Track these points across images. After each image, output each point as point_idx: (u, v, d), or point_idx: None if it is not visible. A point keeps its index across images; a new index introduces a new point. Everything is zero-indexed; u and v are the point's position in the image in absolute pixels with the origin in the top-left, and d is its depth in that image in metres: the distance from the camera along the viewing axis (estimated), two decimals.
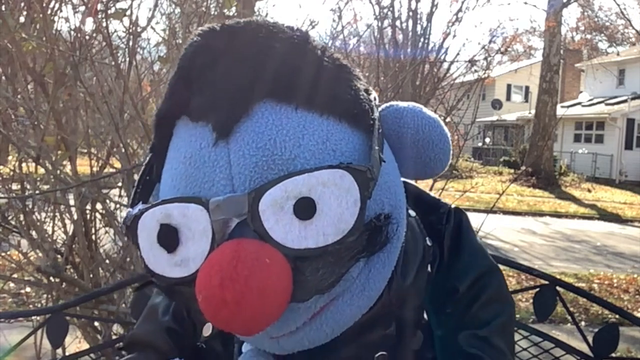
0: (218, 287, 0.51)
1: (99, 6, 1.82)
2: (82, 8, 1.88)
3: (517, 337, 1.32)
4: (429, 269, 0.77)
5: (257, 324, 0.54)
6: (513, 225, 9.54)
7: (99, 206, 2.04)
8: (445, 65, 3.14)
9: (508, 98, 26.22)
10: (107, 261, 2.08)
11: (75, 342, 2.13)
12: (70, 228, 2.01)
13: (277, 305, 0.54)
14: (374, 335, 0.71)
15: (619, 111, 18.93)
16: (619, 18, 27.02)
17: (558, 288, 1.29)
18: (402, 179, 0.73)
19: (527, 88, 25.38)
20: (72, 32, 1.89)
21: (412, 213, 0.78)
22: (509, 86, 26.53)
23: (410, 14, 3.22)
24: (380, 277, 0.63)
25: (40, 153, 1.84)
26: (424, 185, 0.87)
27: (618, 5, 32.03)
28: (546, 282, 1.29)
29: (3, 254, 2.10)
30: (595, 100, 21.68)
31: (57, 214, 2.05)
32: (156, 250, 0.58)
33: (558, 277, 2.29)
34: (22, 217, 1.99)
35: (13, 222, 2.08)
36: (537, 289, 1.30)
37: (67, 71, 1.84)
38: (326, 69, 0.62)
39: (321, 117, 0.60)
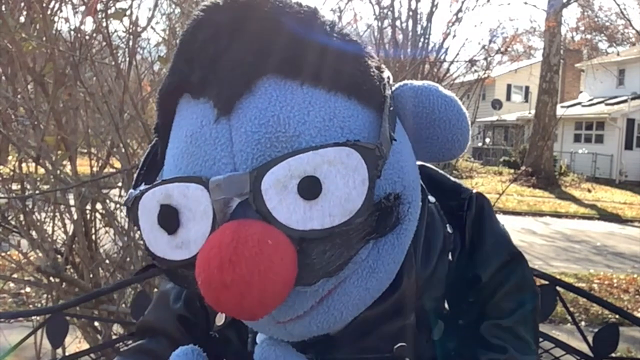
0: (217, 270, 0.49)
1: (99, 6, 1.82)
2: (82, 8, 1.88)
3: None
4: (450, 257, 0.74)
5: (259, 308, 0.52)
6: (513, 225, 9.53)
7: (99, 206, 2.04)
8: (445, 65, 3.14)
9: (508, 98, 26.21)
10: (107, 261, 2.08)
11: (75, 342, 2.12)
12: (70, 228, 2.01)
13: (280, 289, 0.52)
14: (393, 325, 0.69)
15: (619, 111, 18.93)
16: (619, 18, 27.04)
17: (558, 288, 1.29)
18: (421, 162, 0.71)
19: (527, 88, 25.38)
20: (72, 32, 1.89)
21: (432, 199, 0.76)
22: (509, 86, 26.53)
23: (410, 14, 3.21)
24: (390, 260, 0.60)
25: (40, 153, 1.84)
26: None
27: (618, 5, 32.02)
28: (546, 282, 1.29)
29: (3, 254, 2.10)
30: (595, 100, 21.68)
31: (57, 214, 2.05)
32: (157, 232, 0.56)
33: (558, 277, 2.29)
34: (22, 217, 1.99)
35: (13, 222, 2.08)
36: None
37: (67, 71, 1.84)
38: (335, 44, 0.59)
39: (328, 94, 0.57)
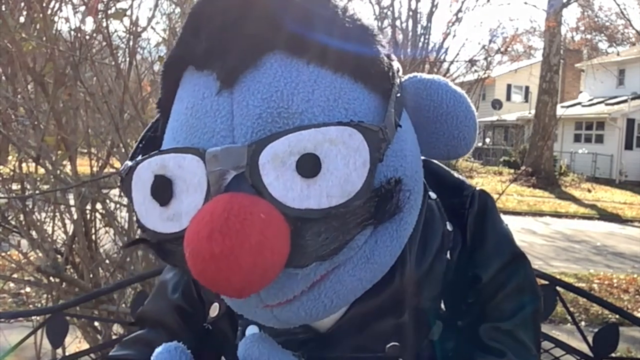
0: (206, 240, 0.47)
1: (99, 6, 1.82)
2: (82, 8, 1.88)
3: None
4: (449, 255, 0.72)
5: (246, 284, 0.49)
6: (513, 225, 9.38)
7: (99, 206, 2.04)
8: (445, 65, 3.14)
9: (508, 98, 26.22)
10: (107, 261, 2.07)
11: (75, 342, 2.12)
12: (70, 228, 2.01)
13: (270, 266, 0.49)
14: (385, 324, 0.67)
15: (619, 111, 18.93)
16: (619, 18, 27.04)
17: (558, 288, 1.29)
18: (426, 158, 0.69)
19: (527, 88, 25.39)
20: (72, 32, 1.89)
21: (433, 195, 0.74)
22: (509, 86, 26.54)
23: (410, 13, 3.22)
24: (387, 251, 0.58)
25: (40, 153, 1.84)
26: None
27: (618, 5, 32.04)
28: (546, 282, 1.29)
29: (3, 254, 2.10)
30: (595, 100, 21.68)
31: (57, 214, 2.05)
32: (149, 204, 0.55)
33: (558, 277, 2.29)
34: (22, 217, 1.99)
35: (13, 222, 2.08)
36: None
37: (67, 71, 1.84)
38: (345, 27, 0.58)
39: (335, 74, 0.56)
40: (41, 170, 2.01)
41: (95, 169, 2.04)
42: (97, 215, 2.07)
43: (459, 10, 3.01)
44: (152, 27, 2.09)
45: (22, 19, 2.00)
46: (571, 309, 1.42)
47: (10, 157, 2.35)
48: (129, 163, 0.58)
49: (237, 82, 0.55)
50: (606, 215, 11.62)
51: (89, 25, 1.95)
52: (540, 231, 9.43)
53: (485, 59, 3.38)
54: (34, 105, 1.94)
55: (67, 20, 1.94)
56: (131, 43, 1.89)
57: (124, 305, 1.87)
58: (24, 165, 2.07)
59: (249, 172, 0.51)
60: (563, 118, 17.37)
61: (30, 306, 3.51)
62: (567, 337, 1.38)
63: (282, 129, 0.52)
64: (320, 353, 0.67)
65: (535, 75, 18.45)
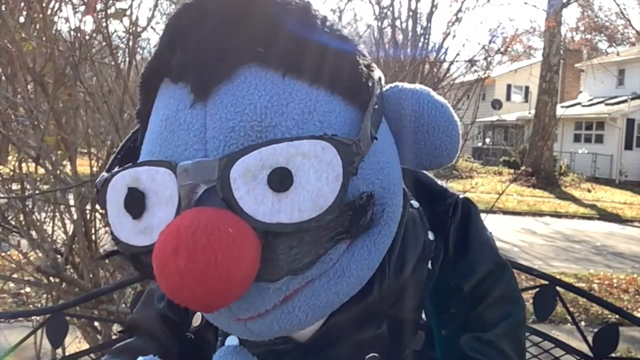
0: (172, 255, 0.47)
1: (99, 6, 1.82)
2: (82, 8, 1.88)
3: None
4: (430, 265, 0.71)
5: (212, 298, 0.49)
6: (513, 225, 9.53)
7: (98, 206, 2.04)
8: (445, 65, 3.14)
9: (508, 98, 26.22)
10: (107, 261, 2.07)
11: (75, 342, 2.13)
12: (70, 228, 2.01)
13: (238, 281, 0.49)
14: (365, 335, 0.66)
15: (619, 111, 18.94)
16: (619, 18, 27.05)
17: (558, 288, 1.29)
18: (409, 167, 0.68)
19: (527, 88, 25.39)
20: (72, 32, 1.89)
21: (416, 204, 0.73)
22: (509, 86, 26.54)
23: (410, 14, 3.21)
24: (364, 265, 0.58)
25: (40, 153, 1.84)
26: None
27: (618, 5, 32.02)
28: (546, 282, 1.29)
29: (3, 254, 2.10)
30: (595, 100, 21.69)
31: (57, 214, 2.05)
32: (122, 216, 0.55)
33: (558, 277, 2.29)
34: (22, 217, 1.99)
35: (13, 222, 2.08)
36: (537, 289, 1.30)
37: (67, 71, 1.84)
38: (323, 39, 0.57)
39: (310, 87, 0.56)
40: (41, 170, 2.01)
41: (95, 169, 2.04)
42: (97, 215, 2.07)
43: (459, 10, 3.00)
44: (152, 27, 2.09)
45: (22, 19, 2.00)
46: (571, 309, 1.42)
47: (10, 157, 2.35)
48: (105, 175, 0.58)
49: (210, 95, 0.54)
50: (606, 215, 11.63)
51: (89, 25, 1.95)
52: (540, 231, 9.43)
53: (485, 59, 3.38)
54: (34, 105, 1.94)
55: (67, 20, 1.94)
56: (131, 43, 1.89)
57: (124, 305, 1.87)
58: (24, 165, 2.07)
59: (219, 186, 0.50)
60: (563, 118, 17.38)
61: (30, 306, 3.51)
62: (567, 337, 1.38)
63: (254, 142, 0.52)
64: None
65: (535, 75, 18.45)
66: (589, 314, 4.68)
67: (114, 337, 1.79)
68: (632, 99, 19.08)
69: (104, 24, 1.81)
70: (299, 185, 0.50)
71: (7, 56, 1.93)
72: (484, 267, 0.74)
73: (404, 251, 0.67)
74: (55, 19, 2.00)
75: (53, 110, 1.85)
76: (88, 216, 2.02)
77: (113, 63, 2.00)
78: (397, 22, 3.24)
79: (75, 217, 1.95)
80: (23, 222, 1.98)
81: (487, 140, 24.35)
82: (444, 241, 0.73)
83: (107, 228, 2.09)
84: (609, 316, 4.50)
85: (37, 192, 1.98)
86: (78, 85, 1.90)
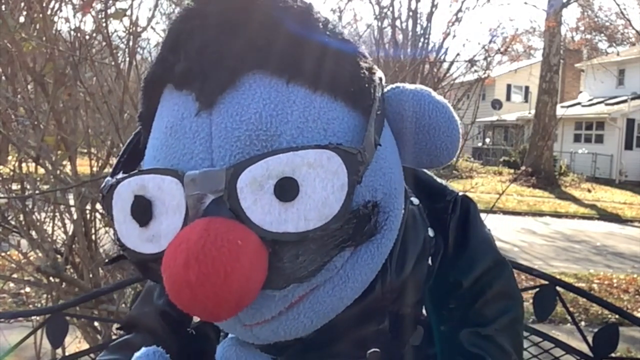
0: (182, 267, 0.48)
1: (99, 6, 1.82)
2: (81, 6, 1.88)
3: None
4: (430, 261, 0.72)
5: (222, 309, 0.50)
6: (513, 225, 9.53)
7: (98, 206, 2.04)
8: (445, 65, 3.13)
9: (508, 98, 26.22)
10: (107, 261, 2.07)
11: (75, 342, 2.13)
12: (70, 228, 2.01)
13: (246, 291, 0.50)
14: (366, 330, 0.67)
15: (619, 111, 18.94)
16: (619, 18, 27.05)
17: (558, 288, 1.29)
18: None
19: (527, 88, 25.39)
20: (72, 32, 1.89)
21: (416, 201, 0.74)
22: (509, 86, 26.54)
23: (410, 14, 3.22)
24: (367, 270, 0.59)
25: (40, 153, 1.84)
26: None
27: (618, 5, 32.04)
28: (546, 282, 1.29)
29: (3, 254, 2.10)
30: (595, 100, 21.69)
31: (57, 214, 2.05)
32: (129, 223, 0.55)
33: (558, 277, 2.29)
34: (22, 217, 1.99)
35: (13, 222, 2.08)
36: (537, 289, 1.30)
37: (67, 71, 1.84)
38: (326, 43, 0.58)
39: (314, 94, 0.56)
40: (41, 170, 2.01)
41: (95, 169, 2.04)
42: (97, 215, 2.07)
43: (459, 10, 3.00)
44: (152, 27, 2.09)
45: (22, 19, 2.00)
46: (571, 309, 1.42)
47: (10, 157, 2.35)
48: (110, 180, 0.58)
49: (215, 104, 0.54)
50: (606, 215, 11.63)
51: (89, 25, 1.95)
52: (540, 231, 9.43)
53: (485, 59, 3.38)
54: (34, 105, 1.94)
55: (67, 20, 1.94)
56: (131, 43, 1.89)
57: (123, 305, 1.87)
58: (24, 165, 2.07)
59: (227, 196, 0.51)
60: (563, 118, 17.36)
61: (30, 306, 3.51)
62: (567, 337, 1.38)
63: (260, 151, 0.52)
64: (301, 358, 0.67)
65: (535, 75, 18.45)
66: (589, 314, 4.68)
67: (114, 337, 1.79)
68: (632, 99, 19.08)
69: (104, 24, 1.81)
70: (305, 194, 0.51)
71: (7, 56, 1.93)
72: (483, 263, 0.75)
73: (404, 249, 0.68)
74: (55, 19, 2.01)
75: (53, 110, 1.85)
76: (88, 216, 2.03)
77: (113, 63, 2.00)
78: (397, 22, 3.24)
79: (75, 217, 1.95)
80: (23, 222, 1.98)
81: (487, 140, 24.35)
82: (444, 238, 0.74)
83: (107, 228, 2.10)
84: (609, 316, 4.50)
85: (37, 192, 1.98)
86: (78, 85, 1.90)
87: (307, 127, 0.54)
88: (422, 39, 3.05)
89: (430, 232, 0.73)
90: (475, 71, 3.43)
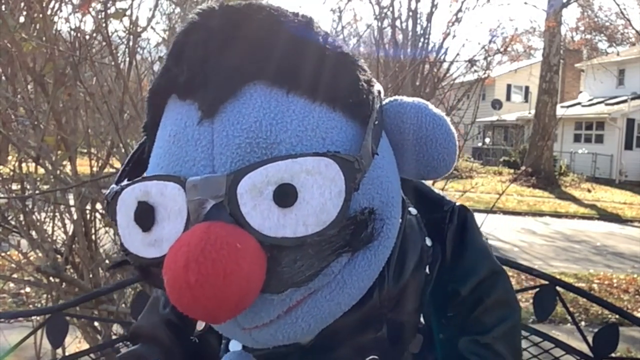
0: (182, 269, 0.49)
1: (99, 6, 1.82)
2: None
3: None
4: (427, 270, 0.74)
5: (222, 311, 0.51)
6: (513, 225, 9.53)
7: (99, 206, 2.04)
8: (445, 65, 3.14)
9: (508, 98, 26.22)
10: (107, 261, 2.08)
11: (75, 342, 2.13)
12: (70, 228, 2.01)
13: (245, 294, 0.51)
14: (365, 337, 0.69)
15: (619, 111, 18.93)
16: (619, 18, 27.06)
17: (558, 288, 1.29)
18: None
19: (527, 88, 25.39)
20: (72, 32, 1.89)
21: (414, 211, 0.75)
22: (509, 86, 26.54)
23: (410, 14, 3.22)
24: (364, 276, 0.60)
25: (40, 153, 1.85)
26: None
27: (618, 5, 32.08)
28: (546, 282, 1.29)
29: (3, 254, 2.10)
30: (595, 100, 21.69)
31: (57, 214, 2.05)
32: (132, 229, 0.57)
33: (558, 277, 2.29)
34: (22, 217, 1.99)
35: (13, 222, 2.08)
36: (537, 289, 1.30)
37: (67, 71, 1.84)
38: (325, 55, 0.60)
39: (313, 104, 0.58)
40: (41, 170, 2.01)
41: (95, 169, 2.04)
42: (97, 215, 2.07)
43: (459, 10, 3.00)
44: (152, 27, 2.09)
45: (22, 19, 1.99)
46: (571, 309, 1.42)
47: (10, 157, 2.35)
48: (115, 187, 0.59)
49: (217, 113, 0.56)
50: (606, 215, 11.62)
51: (89, 25, 1.95)
52: (540, 231, 9.43)
53: (485, 59, 3.38)
54: (34, 105, 1.94)
55: (67, 20, 1.95)
56: (131, 43, 1.89)
57: (124, 305, 1.87)
58: (24, 165, 2.07)
59: (227, 201, 0.52)
60: (563, 118, 17.37)
61: (30, 306, 3.51)
62: (567, 337, 1.38)
63: (260, 159, 0.54)
64: None
65: (535, 75, 18.45)
66: (589, 314, 4.68)
67: (114, 337, 1.79)
68: (632, 99, 19.07)
69: (104, 24, 1.81)
70: (304, 200, 0.52)
71: (7, 56, 1.93)
72: (480, 272, 0.77)
73: (402, 257, 0.70)
74: (55, 19, 2.01)
75: (53, 110, 1.85)
76: (88, 216, 2.03)
77: (113, 63, 2.00)
78: (397, 22, 3.25)
79: (75, 217, 1.95)
80: (23, 222, 1.98)
81: (487, 140, 24.35)
82: (442, 247, 0.76)
83: (107, 228, 2.10)
84: (609, 316, 4.50)
85: (37, 192, 1.98)
86: (78, 85, 1.90)
87: (306, 135, 0.56)
88: (422, 39, 3.05)
89: (428, 242, 0.75)
90: (475, 71, 3.43)
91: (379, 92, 0.65)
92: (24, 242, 2.08)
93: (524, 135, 20.98)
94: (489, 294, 0.76)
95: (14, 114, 2.08)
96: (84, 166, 2.09)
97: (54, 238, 2.08)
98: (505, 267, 0.83)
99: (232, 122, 0.55)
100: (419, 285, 0.72)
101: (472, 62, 3.25)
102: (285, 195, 0.52)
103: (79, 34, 1.85)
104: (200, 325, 0.75)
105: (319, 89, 0.58)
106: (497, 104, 21.88)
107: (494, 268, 0.79)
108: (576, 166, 19.11)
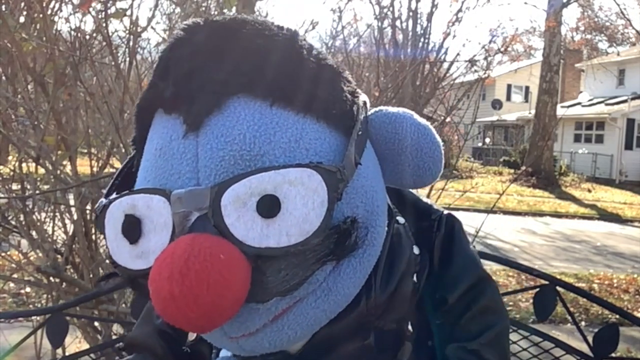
0: (167, 280, 0.50)
1: (99, 6, 1.82)
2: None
3: (517, 337, 1.32)
4: (415, 279, 0.74)
5: (206, 321, 0.52)
6: (513, 225, 9.54)
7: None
8: (445, 65, 3.14)
9: (508, 98, 26.23)
10: (107, 261, 2.07)
11: (75, 342, 2.13)
12: (70, 228, 2.01)
13: (229, 304, 0.52)
14: (352, 346, 0.69)
15: (619, 111, 18.94)
16: (619, 18, 27.05)
17: (558, 288, 1.29)
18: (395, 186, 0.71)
19: (527, 88, 25.40)
20: (72, 32, 1.89)
21: (401, 220, 0.76)
22: (509, 86, 26.55)
23: (410, 14, 3.22)
24: (350, 283, 0.61)
25: (40, 153, 1.85)
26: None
27: (618, 5, 32.09)
28: (546, 282, 1.29)
29: (3, 254, 2.10)
30: (595, 100, 21.69)
31: (57, 214, 2.05)
32: (120, 241, 0.58)
33: (558, 277, 2.29)
34: (22, 217, 2.00)
35: (13, 222, 2.08)
36: (537, 289, 1.30)
37: (67, 71, 1.84)
38: (309, 68, 0.61)
39: (297, 115, 0.59)
40: (41, 170, 2.01)
41: (95, 169, 2.04)
42: None
43: (459, 10, 3.00)
44: (152, 27, 2.09)
45: (22, 19, 2.00)
46: (571, 309, 1.42)
47: (10, 157, 2.35)
48: (103, 201, 0.60)
49: (202, 126, 0.57)
50: (606, 215, 11.63)
51: (89, 25, 1.95)
52: (540, 231, 9.43)
53: (485, 59, 3.38)
54: (34, 105, 1.94)
55: (67, 20, 1.95)
56: (131, 43, 1.89)
57: (124, 305, 1.87)
58: (24, 165, 2.07)
59: (211, 213, 0.53)
60: (563, 118, 17.37)
61: (30, 306, 3.51)
62: (567, 337, 1.38)
63: (244, 170, 0.54)
64: None
65: (535, 75, 18.46)
66: (589, 314, 4.67)
67: (114, 337, 1.79)
68: (632, 99, 19.07)
69: (104, 24, 1.81)
70: (287, 211, 0.53)
71: (7, 56, 1.93)
72: (467, 280, 0.78)
73: (390, 265, 0.70)
74: (56, 19, 2.01)
75: (53, 110, 1.85)
76: (88, 216, 2.02)
77: (113, 63, 2.00)
78: (397, 22, 3.25)
79: (75, 217, 1.95)
80: (23, 222, 1.98)
81: (487, 140, 24.35)
82: (429, 255, 0.77)
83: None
84: (609, 316, 4.50)
85: (37, 192, 1.98)
86: (78, 85, 1.90)
87: (289, 147, 0.57)
88: (422, 39, 3.06)
89: (416, 250, 0.75)
90: (475, 71, 3.43)
91: (365, 102, 0.66)
92: (24, 242, 2.08)
93: (524, 135, 20.98)
94: (476, 301, 0.77)
95: (14, 114, 2.08)
96: (84, 166, 2.09)
97: (54, 238, 2.08)
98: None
99: (217, 135, 0.56)
100: (407, 293, 0.72)
101: (472, 62, 3.25)
102: (268, 206, 0.53)
103: (79, 34, 1.85)
104: (193, 335, 0.77)
105: (303, 101, 0.59)
106: (497, 104, 21.88)
107: (481, 275, 0.80)
108: (576, 166, 19.11)
